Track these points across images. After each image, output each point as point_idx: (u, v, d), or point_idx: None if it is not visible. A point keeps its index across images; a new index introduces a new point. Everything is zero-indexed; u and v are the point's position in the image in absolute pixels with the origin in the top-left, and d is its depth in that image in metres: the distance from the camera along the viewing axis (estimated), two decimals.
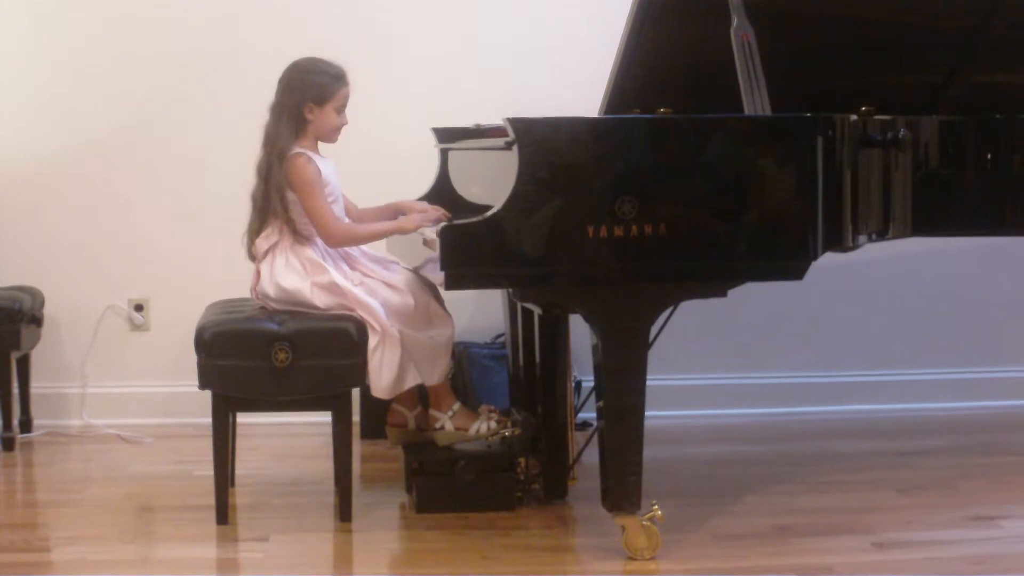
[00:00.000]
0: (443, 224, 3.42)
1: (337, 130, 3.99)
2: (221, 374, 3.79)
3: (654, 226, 3.39)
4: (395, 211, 4.12)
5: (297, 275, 3.90)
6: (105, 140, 5.01)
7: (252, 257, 3.99)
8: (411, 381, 3.91)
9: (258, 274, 3.97)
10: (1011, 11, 4.06)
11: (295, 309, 3.89)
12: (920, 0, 4.07)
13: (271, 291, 3.92)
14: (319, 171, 3.91)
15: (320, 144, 4.01)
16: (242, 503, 4.05)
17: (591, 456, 3.80)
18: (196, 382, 3.81)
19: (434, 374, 3.96)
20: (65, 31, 4.99)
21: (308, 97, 3.92)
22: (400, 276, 3.96)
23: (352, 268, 3.95)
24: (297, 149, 3.92)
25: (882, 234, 3.70)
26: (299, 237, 3.92)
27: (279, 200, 3.89)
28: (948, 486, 4.20)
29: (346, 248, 3.98)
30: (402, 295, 3.91)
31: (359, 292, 3.88)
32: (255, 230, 3.96)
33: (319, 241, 3.94)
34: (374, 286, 3.91)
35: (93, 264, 5.04)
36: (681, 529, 3.71)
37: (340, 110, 3.98)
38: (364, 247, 4.04)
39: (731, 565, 3.49)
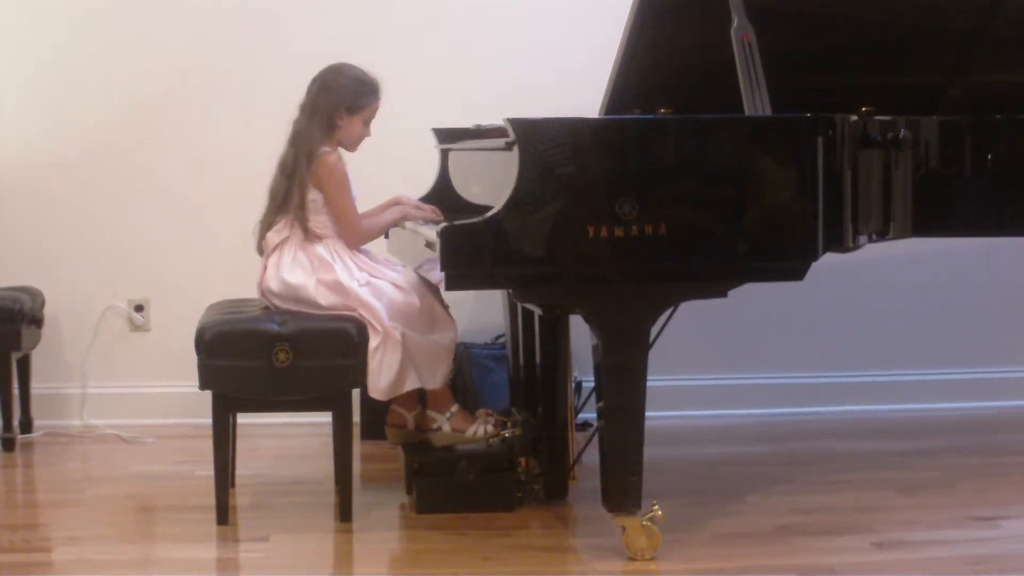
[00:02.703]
0: (443, 224, 3.42)
1: (359, 141, 4.01)
2: (221, 374, 3.79)
3: (654, 226, 3.39)
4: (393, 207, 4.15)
5: (303, 271, 3.90)
6: (105, 140, 5.01)
7: (261, 251, 3.99)
8: (409, 385, 3.91)
9: (265, 269, 3.97)
10: (1011, 10, 4.06)
11: (296, 308, 3.89)
12: (920, 0, 4.07)
13: (274, 286, 3.92)
14: (346, 171, 3.94)
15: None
16: (242, 503, 4.05)
17: (591, 456, 3.80)
18: (196, 382, 3.82)
19: (435, 378, 3.95)
20: (65, 31, 4.99)
21: (343, 104, 3.93)
22: (405, 277, 3.96)
23: (359, 268, 3.95)
24: (326, 148, 3.93)
25: (882, 234, 3.70)
26: (310, 235, 3.93)
27: (299, 197, 3.90)
28: (948, 486, 4.20)
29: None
30: (407, 295, 3.91)
31: (363, 292, 3.87)
32: (268, 224, 3.97)
33: (329, 240, 3.94)
34: (380, 286, 3.91)
35: (93, 264, 5.04)
36: (681, 529, 3.70)
37: (368, 122, 4.00)
38: (369, 248, 4.05)
39: (732, 565, 3.49)
